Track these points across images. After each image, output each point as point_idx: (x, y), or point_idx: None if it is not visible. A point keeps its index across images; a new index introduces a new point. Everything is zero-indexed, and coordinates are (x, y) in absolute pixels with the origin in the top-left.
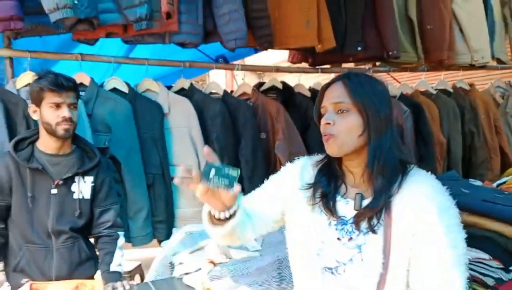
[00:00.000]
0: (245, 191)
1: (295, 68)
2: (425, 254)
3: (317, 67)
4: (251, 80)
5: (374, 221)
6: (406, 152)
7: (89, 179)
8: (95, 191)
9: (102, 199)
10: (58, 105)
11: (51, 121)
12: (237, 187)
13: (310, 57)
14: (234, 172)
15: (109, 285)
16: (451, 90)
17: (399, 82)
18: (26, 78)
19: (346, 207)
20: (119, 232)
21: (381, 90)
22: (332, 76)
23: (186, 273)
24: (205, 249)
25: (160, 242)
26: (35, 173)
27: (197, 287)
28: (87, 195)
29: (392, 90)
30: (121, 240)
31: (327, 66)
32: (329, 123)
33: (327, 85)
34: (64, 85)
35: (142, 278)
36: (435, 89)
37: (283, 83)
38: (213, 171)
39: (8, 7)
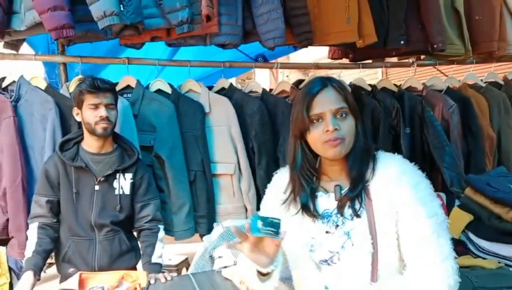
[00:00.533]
0: None
1: (335, 64)
2: (409, 227)
3: (358, 62)
4: (296, 76)
5: (357, 206)
6: (366, 138)
7: (129, 176)
8: (134, 187)
9: (142, 194)
10: (96, 106)
11: (91, 120)
12: (283, 233)
13: (350, 53)
14: (277, 220)
15: (152, 276)
16: (502, 83)
17: (446, 75)
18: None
19: (327, 200)
20: (159, 225)
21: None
22: (374, 71)
23: (225, 267)
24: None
25: (201, 236)
26: (79, 171)
27: (235, 280)
28: (127, 191)
29: (438, 83)
30: (161, 233)
31: (369, 61)
32: (337, 129)
33: (314, 93)
34: (100, 87)
35: None
36: (485, 82)
37: None
38: (259, 222)
39: (61, 16)
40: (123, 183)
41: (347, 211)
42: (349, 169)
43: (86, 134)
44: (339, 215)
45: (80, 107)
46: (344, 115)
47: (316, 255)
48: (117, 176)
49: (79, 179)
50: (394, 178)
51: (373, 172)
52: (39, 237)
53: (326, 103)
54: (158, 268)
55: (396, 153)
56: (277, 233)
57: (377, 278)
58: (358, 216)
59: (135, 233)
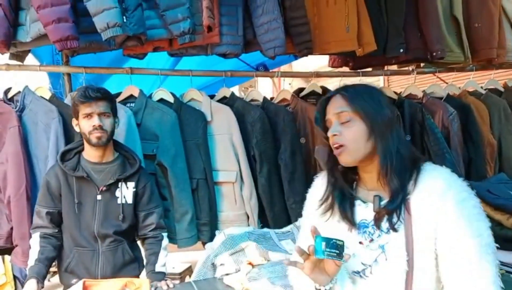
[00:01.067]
0: (284, 194)
1: (336, 73)
2: (450, 247)
3: (358, 70)
4: (299, 84)
5: (394, 219)
6: (414, 149)
7: (131, 185)
8: (137, 196)
9: (145, 203)
10: (89, 115)
11: (85, 130)
12: (346, 256)
13: (350, 61)
14: (341, 242)
15: (154, 284)
16: (502, 89)
17: (446, 82)
18: None
19: (365, 210)
20: (163, 233)
21: (378, 95)
22: (375, 79)
23: (227, 274)
24: (245, 251)
25: (204, 244)
26: (81, 181)
27: (236, 288)
28: (130, 200)
29: (438, 91)
30: (165, 241)
31: (369, 69)
32: (336, 135)
33: (327, 100)
34: (91, 96)
35: None
36: (485, 89)
37: (323, 88)
38: (323, 244)
39: (65, 28)
40: (126, 192)
41: (385, 224)
42: (387, 179)
43: (85, 144)
44: (375, 227)
45: (77, 117)
46: (346, 120)
47: (349, 265)
48: (119, 185)
49: (80, 189)
50: (438, 192)
51: (415, 184)
52: (41, 245)
53: (331, 109)
54: (162, 276)
55: (444, 166)
56: (340, 255)
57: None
58: (395, 230)
59: (139, 242)
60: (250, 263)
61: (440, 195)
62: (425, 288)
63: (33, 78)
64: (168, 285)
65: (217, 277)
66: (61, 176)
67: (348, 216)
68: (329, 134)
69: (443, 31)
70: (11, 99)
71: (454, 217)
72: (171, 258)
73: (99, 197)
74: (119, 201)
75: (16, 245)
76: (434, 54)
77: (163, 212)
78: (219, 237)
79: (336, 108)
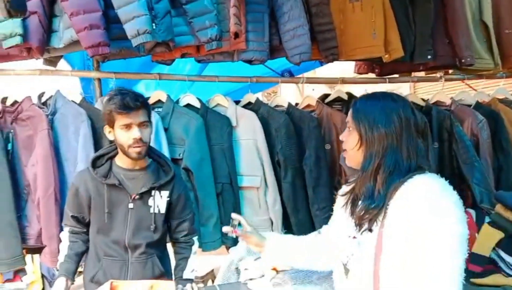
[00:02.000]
0: (308, 200)
1: (362, 79)
2: (412, 259)
3: (385, 77)
4: (322, 90)
5: (372, 221)
6: (423, 161)
7: (165, 194)
8: (171, 205)
9: (179, 212)
10: (128, 126)
11: (124, 143)
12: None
13: (377, 67)
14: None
15: (179, 287)
16: None
17: (475, 89)
18: None
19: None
20: (193, 238)
21: (385, 110)
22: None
23: (251, 279)
24: None
25: (228, 249)
26: (112, 189)
27: None
28: (163, 209)
29: (467, 98)
30: (195, 246)
31: (395, 75)
32: (342, 140)
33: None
34: (131, 106)
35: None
36: None
37: (349, 94)
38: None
39: (97, 35)
40: (159, 202)
41: (365, 224)
42: (364, 183)
43: (120, 151)
44: (358, 227)
45: (111, 126)
46: (349, 129)
47: (341, 256)
48: (153, 194)
49: (111, 197)
50: (416, 201)
51: (397, 191)
52: (71, 240)
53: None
54: (189, 283)
55: (437, 178)
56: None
57: None
58: (370, 230)
59: (169, 249)
60: (274, 269)
61: (417, 204)
62: (392, 287)
63: (66, 83)
64: (193, 289)
65: (241, 282)
66: (90, 182)
67: (350, 212)
68: (340, 137)
69: (472, 37)
70: (44, 103)
71: (421, 229)
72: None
73: (131, 205)
74: (151, 211)
75: (45, 245)
76: (463, 60)
77: (194, 217)
78: (243, 242)
79: (348, 117)
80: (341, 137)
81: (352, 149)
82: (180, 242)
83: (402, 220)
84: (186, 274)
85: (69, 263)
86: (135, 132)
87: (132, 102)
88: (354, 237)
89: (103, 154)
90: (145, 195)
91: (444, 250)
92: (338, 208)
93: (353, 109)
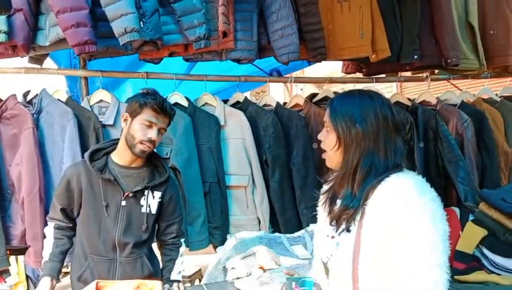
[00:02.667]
0: (296, 199)
1: (349, 79)
2: (391, 258)
3: (372, 76)
4: (311, 90)
5: (350, 221)
6: (402, 159)
7: (158, 195)
8: (162, 207)
9: (169, 214)
10: (151, 124)
11: (137, 136)
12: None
13: (364, 67)
14: (309, 279)
15: (165, 286)
16: None
17: (461, 89)
18: (98, 95)
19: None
20: (181, 240)
21: (357, 110)
22: (388, 85)
23: (238, 278)
24: (256, 255)
25: (215, 248)
26: (107, 184)
27: None
28: (154, 210)
29: (452, 98)
30: (183, 248)
31: (382, 75)
32: (321, 140)
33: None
34: (167, 111)
35: None
36: (500, 96)
37: (336, 93)
38: (293, 284)
39: (84, 33)
40: (151, 202)
41: (343, 224)
42: (343, 184)
43: (121, 145)
44: (336, 227)
45: (133, 116)
46: (327, 129)
47: (321, 254)
48: (146, 193)
49: (106, 192)
50: (392, 200)
51: (374, 191)
52: (56, 237)
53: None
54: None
55: (416, 174)
56: None
57: None
58: (348, 230)
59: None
60: (261, 268)
61: (392, 203)
62: (370, 288)
63: (51, 81)
64: (179, 288)
65: (228, 281)
66: (84, 176)
67: (327, 211)
68: (318, 136)
69: (458, 38)
70: (30, 102)
71: (397, 228)
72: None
73: (123, 202)
74: (143, 210)
75: (29, 246)
76: (449, 61)
77: (183, 219)
78: (231, 241)
79: (325, 116)
80: (319, 136)
81: (331, 150)
82: (167, 244)
83: (379, 220)
84: (174, 276)
85: (53, 262)
86: (153, 133)
87: (169, 108)
88: (333, 237)
89: (100, 148)
90: (138, 194)
91: (422, 248)
92: (319, 207)
93: (330, 108)
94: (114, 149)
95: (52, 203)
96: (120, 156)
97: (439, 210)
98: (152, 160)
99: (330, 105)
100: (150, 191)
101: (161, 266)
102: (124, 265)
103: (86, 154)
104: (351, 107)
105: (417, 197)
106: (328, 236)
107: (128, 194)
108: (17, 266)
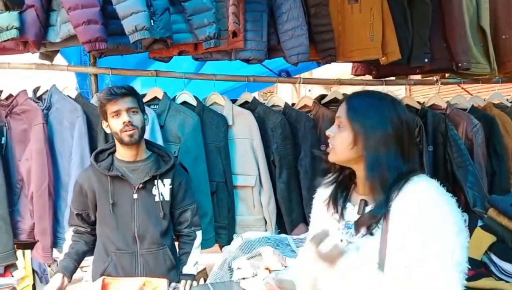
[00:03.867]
0: (302, 200)
1: (358, 81)
2: (414, 261)
3: (382, 79)
4: (319, 91)
5: (373, 225)
6: (415, 165)
7: (168, 182)
8: (173, 193)
9: (180, 200)
10: (117, 113)
11: (116, 129)
12: None
13: (374, 69)
14: None
15: (172, 285)
16: None
17: (471, 94)
18: None
19: (352, 212)
20: (196, 232)
21: (382, 111)
22: (397, 88)
23: (243, 278)
24: (262, 256)
25: (221, 247)
26: (115, 181)
27: None
28: (167, 197)
29: (462, 102)
30: (198, 240)
31: (392, 78)
32: (330, 135)
33: (342, 102)
34: (117, 92)
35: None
36: (510, 102)
37: (345, 95)
38: None
39: (95, 30)
40: (163, 189)
41: (364, 228)
42: (372, 188)
43: (117, 144)
44: (354, 230)
45: (106, 118)
46: (341, 125)
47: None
48: (155, 183)
49: (115, 189)
50: (415, 205)
51: (398, 193)
52: (73, 239)
53: (338, 111)
54: (190, 277)
55: (431, 179)
56: None
57: None
58: (371, 234)
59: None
60: (267, 268)
61: (416, 207)
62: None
63: (62, 78)
64: (185, 287)
65: (234, 281)
66: (94, 178)
67: (337, 214)
68: (327, 132)
69: (470, 42)
70: (40, 98)
71: (422, 231)
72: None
73: (135, 196)
74: (157, 199)
75: (37, 241)
76: (460, 65)
77: (197, 209)
78: (237, 241)
79: (339, 112)
80: (328, 132)
81: (341, 147)
82: (182, 235)
83: (406, 222)
84: (186, 269)
85: (68, 262)
86: (125, 116)
87: (117, 89)
88: (349, 242)
89: (104, 149)
90: (148, 185)
91: (447, 249)
92: (318, 207)
93: (348, 106)
94: (116, 149)
95: (70, 210)
96: (122, 154)
97: (459, 212)
98: (156, 152)
99: (348, 103)
100: (159, 180)
101: None
102: (146, 257)
103: (92, 156)
104: (372, 109)
105: (440, 199)
106: (341, 241)
107: (138, 187)
108: (24, 260)
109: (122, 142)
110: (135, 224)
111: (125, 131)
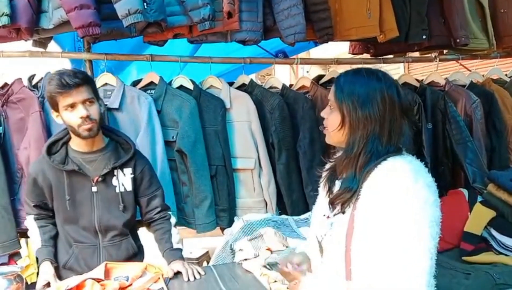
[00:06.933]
0: (302, 181)
1: (356, 60)
2: (382, 241)
3: (379, 57)
4: (317, 72)
5: (345, 203)
6: (405, 142)
7: (128, 171)
8: (136, 182)
9: (146, 187)
10: (72, 106)
11: (72, 123)
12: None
13: (372, 48)
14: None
15: (170, 265)
16: None
17: (470, 70)
18: (103, 78)
19: (336, 188)
20: (169, 212)
21: (366, 90)
22: (395, 66)
23: (245, 259)
24: (264, 237)
25: (222, 230)
26: (72, 175)
27: (255, 272)
28: (129, 187)
29: (461, 78)
30: (173, 219)
31: (390, 56)
32: (324, 117)
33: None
34: (70, 84)
35: None
36: (509, 77)
37: None
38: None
39: (87, 15)
40: (123, 180)
41: (339, 205)
42: (346, 166)
43: (72, 135)
44: (330, 207)
45: (56, 109)
46: (332, 107)
47: (317, 232)
48: (116, 173)
49: (72, 183)
50: (385, 184)
51: (370, 173)
52: (39, 225)
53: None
54: (180, 253)
55: (412, 160)
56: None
57: (351, 277)
58: (343, 212)
59: (141, 229)
60: (268, 249)
61: (385, 188)
62: (363, 271)
63: (55, 65)
64: (185, 266)
65: (236, 262)
66: (49, 170)
67: (326, 191)
68: (321, 114)
69: (468, 17)
70: (35, 86)
71: (387, 212)
72: (189, 244)
73: (94, 188)
74: (117, 190)
75: None
76: (458, 40)
77: (163, 192)
78: (238, 223)
79: (329, 94)
80: (322, 114)
81: (332, 128)
82: (156, 219)
83: (372, 203)
84: (175, 245)
85: (47, 247)
86: (81, 110)
87: (70, 80)
88: (328, 217)
89: (56, 140)
90: (107, 176)
91: (408, 234)
92: (320, 185)
93: (336, 86)
94: (71, 137)
95: (24, 200)
96: (77, 144)
97: (432, 196)
98: (114, 138)
99: (336, 84)
100: (119, 170)
101: (156, 242)
102: (109, 249)
103: (43, 149)
104: (358, 87)
105: (410, 182)
106: (324, 215)
107: (97, 179)
108: (27, 249)
109: (79, 136)
110: (95, 217)
111: (82, 125)
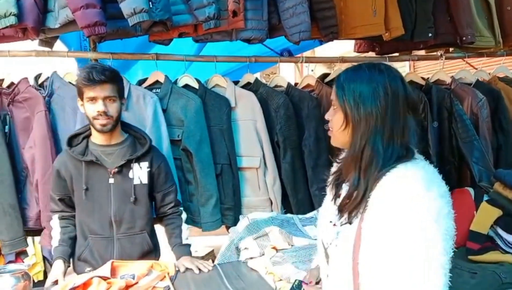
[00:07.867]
0: (307, 180)
1: (361, 58)
2: (391, 254)
3: (385, 55)
4: (321, 70)
5: (352, 213)
6: (412, 140)
7: (145, 165)
8: (152, 176)
9: (162, 183)
10: (93, 99)
11: (89, 115)
12: None
13: (377, 46)
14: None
15: (179, 261)
16: None
17: (476, 68)
18: None
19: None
20: (180, 208)
21: (367, 85)
22: (401, 64)
23: (251, 258)
24: (269, 236)
25: (228, 229)
26: (90, 166)
27: (260, 271)
28: (145, 180)
29: (467, 76)
30: (184, 215)
31: (395, 54)
32: (328, 119)
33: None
34: (95, 79)
35: None
36: None
37: None
38: None
39: (93, 14)
40: (139, 173)
41: (346, 214)
42: (352, 170)
43: (92, 127)
44: (339, 214)
45: (82, 98)
46: (334, 107)
47: (324, 238)
48: (132, 166)
49: (89, 174)
50: (395, 193)
51: (379, 182)
52: (62, 226)
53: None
54: (188, 249)
55: (424, 166)
56: None
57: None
58: (350, 223)
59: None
60: (274, 248)
61: (395, 200)
62: (373, 287)
63: (63, 64)
64: (193, 263)
65: (241, 261)
66: (70, 163)
67: (333, 196)
68: (326, 116)
69: (474, 15)
70: (41, 85)
71: (397, 223)
72: (194, 242)
73: (111, 180)
74: (133, 183)
75: (44, 228)
76: (464, 38)
77: (177, 189)
78: (243, 221)
79: (331, 94)
80: (326, 116)
81: (336, 129)
82: (168, 214)
83: (382, 215)
84: (184, 240)
85: (64, 247)
86: (100, 105)
87: (96, 76)
88: (335, 225)
89: (78, 133)
90: (124, 169)
91: (423, 249)
92: (328, 188)
93: (337, 85)
94: (92, 132)
95: (51, 197)
96: (96, 138)
97: (446, 207)
98: (131, 133)
99: (337, 82)
100: (136, 163)
101: (167, 235)
102: (123, 242)
103: (65, 141)
104: (359, 83)
105: (423, 193)
106: (331, 222)
107: (113, 171)
108: (34, 247)
109: (94, 127)
110: (111, 208)
111: (97, 119)
